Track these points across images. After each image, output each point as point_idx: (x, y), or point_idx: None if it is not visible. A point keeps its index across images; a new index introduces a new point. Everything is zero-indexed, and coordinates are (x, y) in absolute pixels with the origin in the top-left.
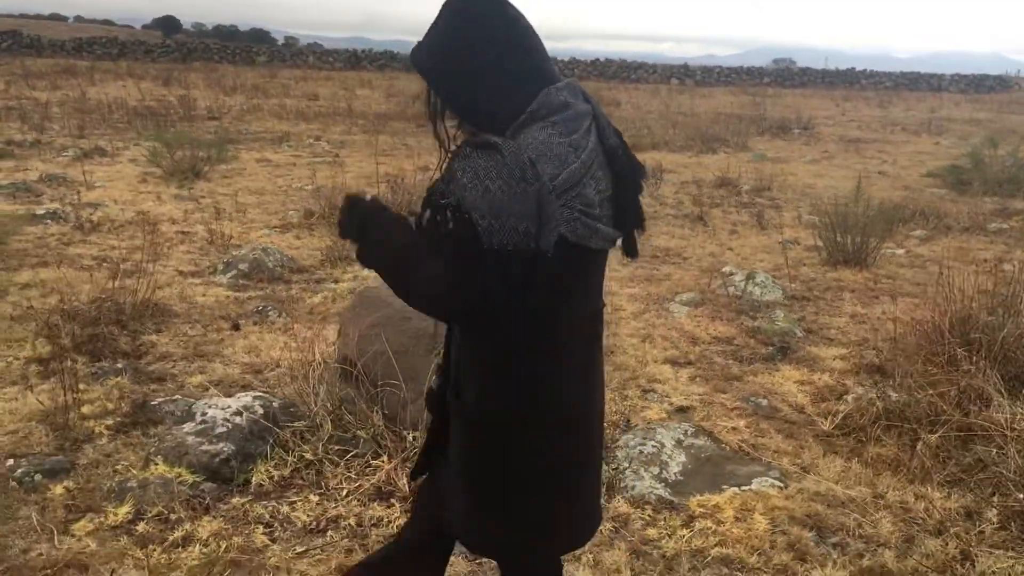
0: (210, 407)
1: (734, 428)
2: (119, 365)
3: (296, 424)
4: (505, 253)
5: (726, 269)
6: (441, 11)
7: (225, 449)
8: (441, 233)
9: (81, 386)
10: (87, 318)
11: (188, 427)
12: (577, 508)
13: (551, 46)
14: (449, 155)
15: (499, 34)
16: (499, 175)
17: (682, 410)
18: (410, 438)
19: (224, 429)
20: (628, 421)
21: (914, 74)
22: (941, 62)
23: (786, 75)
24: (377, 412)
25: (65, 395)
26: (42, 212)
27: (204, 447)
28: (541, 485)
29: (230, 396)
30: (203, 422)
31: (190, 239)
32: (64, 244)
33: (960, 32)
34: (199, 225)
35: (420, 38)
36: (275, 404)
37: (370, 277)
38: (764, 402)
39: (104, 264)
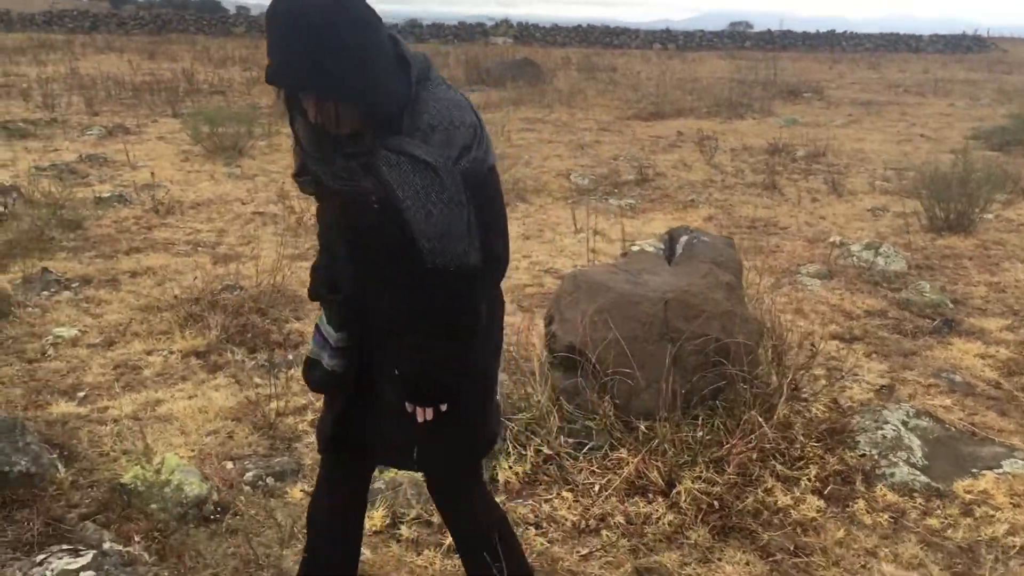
0: None
1: (944, 406)
2: (290, 357)
3: (520, 416)
4: (447, 272)
5: (834, 239)
6: (291, 21)
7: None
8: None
9: (256, 380)
10: (228, 308)
11: None
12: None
13: (500, 11)
14: (345, 154)
15: (365, 14)
16: (439, 199)
17: (882, 389)
18: (642, 428)
19: None
20: (836, 402)
21: (893, 35)
22: (894, 24)
23: (767, 38)
24: (607, 402)
25: (253, 391)
26: (107, 195)
27: None
28: (493, 391)
29: None
30: None
31: (272, 220)
32: (146, 228)
33: None
34: (271, 205)
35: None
36: (496, 396)
37: None
38: (957, 378)
39: (199, 248)
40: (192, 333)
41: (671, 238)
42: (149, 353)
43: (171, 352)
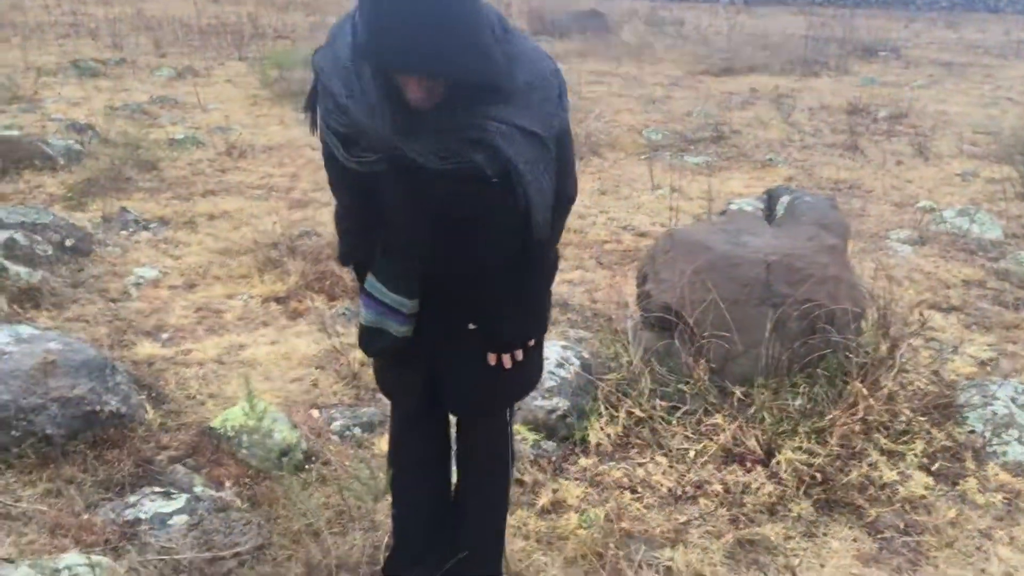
0: None
1: None
2: None
3: (610, 376)
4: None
5: (923, 204)
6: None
7: (560, 405)
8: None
9: (338, 328)
10: (307, 254)
11: None
12: None
13: None
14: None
15: None
16: (547, 170)
17: (987, 363)
18: (738, 394)
19: (554, 383)
20: (938, 375)
21: None
22: None
23: None
24: (703, 365)
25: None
26: (181, 137)
27: (538, 402)
28: None
29: None
30: None
31: None
32: (220, 171)
33: None
34: None
35: None
36: (585, 355)
37: None
38: None
39: (273, 193)
40: (271, 278)
41: (770, 197)
42: (230, 297)
43: (251, 297)
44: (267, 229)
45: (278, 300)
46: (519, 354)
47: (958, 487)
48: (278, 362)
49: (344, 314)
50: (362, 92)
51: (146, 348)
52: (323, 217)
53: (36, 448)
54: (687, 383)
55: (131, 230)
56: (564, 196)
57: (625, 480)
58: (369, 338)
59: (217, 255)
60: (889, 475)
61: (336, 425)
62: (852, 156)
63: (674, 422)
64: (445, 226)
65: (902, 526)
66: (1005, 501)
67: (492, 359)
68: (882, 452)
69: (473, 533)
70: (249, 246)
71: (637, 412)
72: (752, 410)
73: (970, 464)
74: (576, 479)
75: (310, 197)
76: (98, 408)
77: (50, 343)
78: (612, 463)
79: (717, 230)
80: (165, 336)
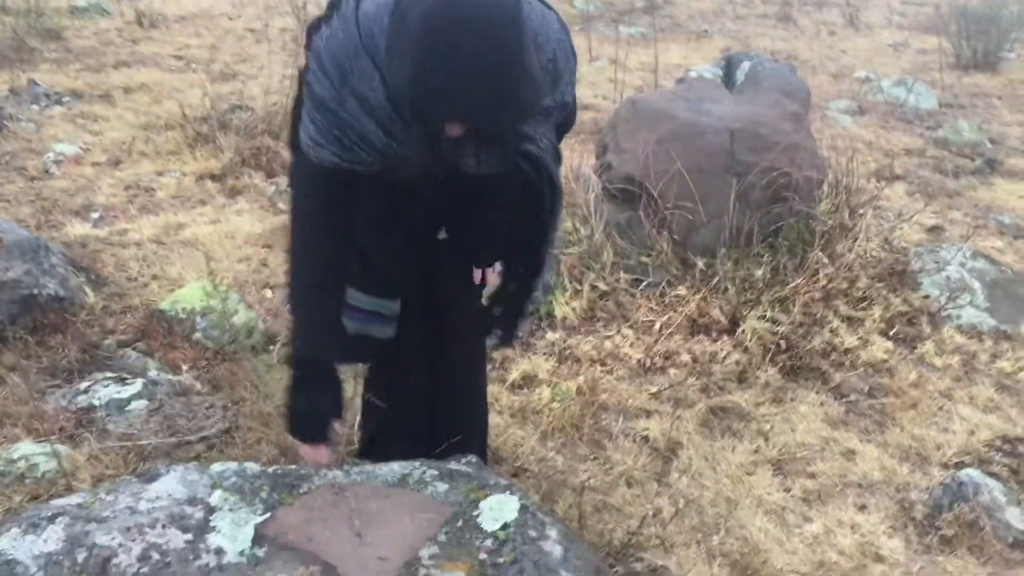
0: None
1: (996, 248)
2: None
3: (572, 250)
4: None
5: (860, 74)
6: (476, 55)
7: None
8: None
9: (280, 205)
10: (239, 129)
11: None
12: None
13: None
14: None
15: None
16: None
17: (933, 230)
18: (700, 265)
19: None
20: (888, 242)
21: None
22: None
23: None
24: (666, 237)
25: None
26: (83, 5)
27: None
28: None
29: None
30: None
31: (265, 38)
32: (132, 41)
33: None
34: (258, 21)
35: None
36: None
37: None
38: (1006, 219)
39: (192, 65)
40: (204, 154)
41: (729, 63)
42: (160, 174)
43: (184, 174)
44: (194, 103)
45: (213, 177)
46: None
47: (917, 350)
48: (222, 242)
49: (286, 191)
50: (404, 131)
51: (76, 228)
52: (251, 91)
53: None
54: (650, 255)
55: (43, 104)
56: None
57: (594, 353)
58: (351, 347)
59: (140, 130)
60: (850, 341)
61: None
62: (785, 27)
63: (638, 295)
64: (464, 216)
65: (866, 389)
66: (962, 363)
67: (477, 276)
68: (842, 319)
69: (462, 421)
70: (175, 121)
71: (601, 286)
72: (715, 281)
73: (927, 328)
74: (545, 354)
75: (234, 70)
76: (35, 292)
77: None
78: (579, 337)
79: (678, 98)
80: (95, 216)
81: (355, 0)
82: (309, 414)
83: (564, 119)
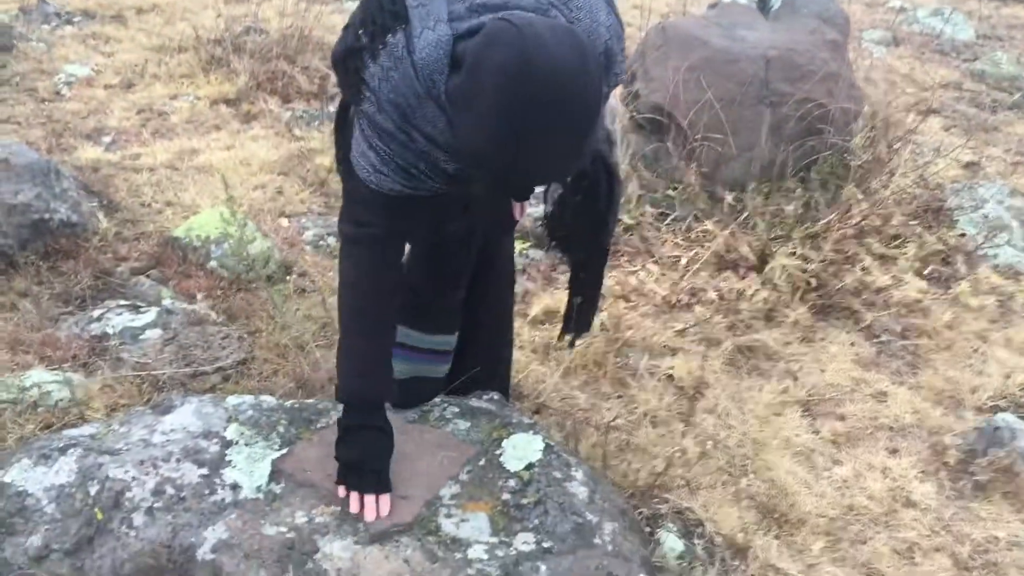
0: None
1: None
2: (328, 108)
3: None
4: None
5: (894, 3)
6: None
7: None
8: None
9: (296, 132)
10: (254, 53)
11: None
12: None
13: None
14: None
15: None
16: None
17: (970, 166)
18: (729, 199)
19: (540, 188)
20: (923, 178)
21: None
22: None
23: None
24: (694, 169)
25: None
26: None
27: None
28: None
29: None
30: None
31: None
32: None
33: None
34: None
35: None
36: None
37: None
38: None
39: None
40: (218, 78)
41: None
42: (173, 98)
43: (197, 98)
44: (208, 25)
45: (228, 102)
46: None
47: (952, 290)
48: (237, 168)
49: (302, 116)
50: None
51: (88, 152)
52: (266, 13)
53: None
54: (677, 188)
55: (53, 24)
56: None
57: (618, 288)
58: (405, 391)
59: (153, 52)
60: (883, 280)
61: (309, 235)
62: None
63: (664, 229)
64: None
65: (899, 330)
66: (998, 304)
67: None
68: (875, 257)
69: (485, 350)
70: (188, 43)
71: (626, 219)
72: (744, 216)
73: (962, 267)
74: (567, 288)
75: None
76: (47, 216)
77: None
78: None
79: (711, 23)
80: (107, 139)
81: (403, 35)
82: (362, 467)
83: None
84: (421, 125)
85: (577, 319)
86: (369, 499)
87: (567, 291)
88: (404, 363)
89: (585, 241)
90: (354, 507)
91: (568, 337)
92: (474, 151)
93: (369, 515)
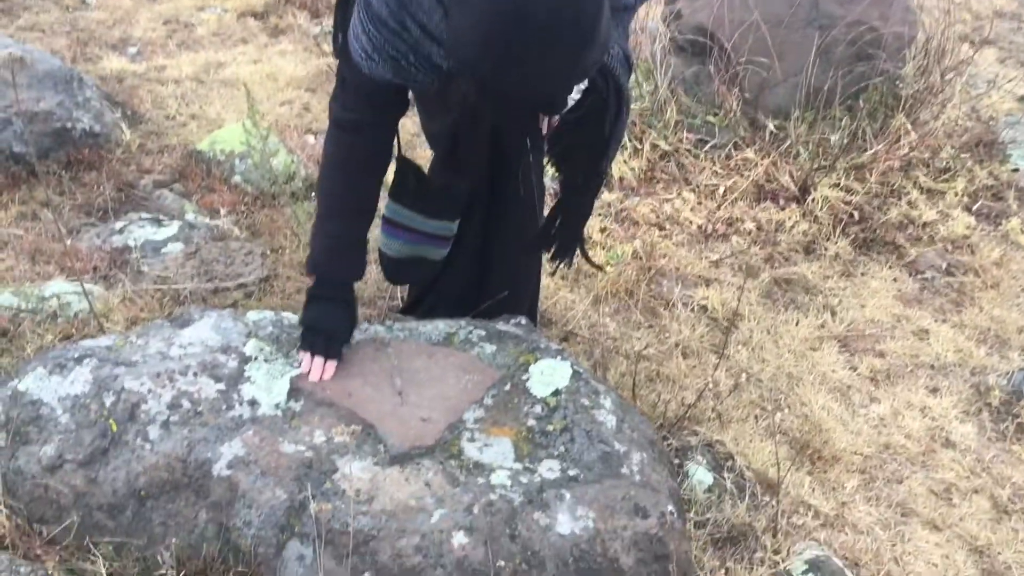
0: None
1: None
2: None
3: (633, 107)
4: None
5: None
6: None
7: None
8: None
9: (325, 47)
10: None
11: None
12: None
13: None
14: None
15: None
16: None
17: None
18: (771, 127)
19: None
20: (975, 111)
21: None
22: None
23: None
24: (736, 95)
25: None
26: None
27: None
28: None
29: None
30: None
31: None
32: None
33: None
34: None
35: None
36: None
37: None
38: None
39: None
40: None
41: None
42: (200, 9)
43: (225, 10)
44: None
45: (255, 15)
46: None
47: (1001, 227)
48: (263, 83)
49: (330, 32)
50: None
51: (113, 62)
52: None
53: (4, 167)
54: (717, 114)
55: None
56: None
57: (652, 216)
58: (402, 270)
59: None
60: (929, 214)
61: None
62: None
63: (702, 156)
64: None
65: (944, 266)
66: None
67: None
68: (922, 191)
69: (513, 273)
70: None
71: (663, 145)
72: (787, 144)
73: (1013, 203)
74: (600, 215)
75: None
76: (69, 125)
77: (8, 49)
78: (637, 198)
79: None
80: (133, 50)
81: None
82: (317, 329)
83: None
84: (417, 14)
85: (558, 246)
86: (317, 361)
87: (551, 207)
88: (404, 245)
89: (581, 163)
90: (304, 367)
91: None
92: (462, 51)
93: (313, 375)
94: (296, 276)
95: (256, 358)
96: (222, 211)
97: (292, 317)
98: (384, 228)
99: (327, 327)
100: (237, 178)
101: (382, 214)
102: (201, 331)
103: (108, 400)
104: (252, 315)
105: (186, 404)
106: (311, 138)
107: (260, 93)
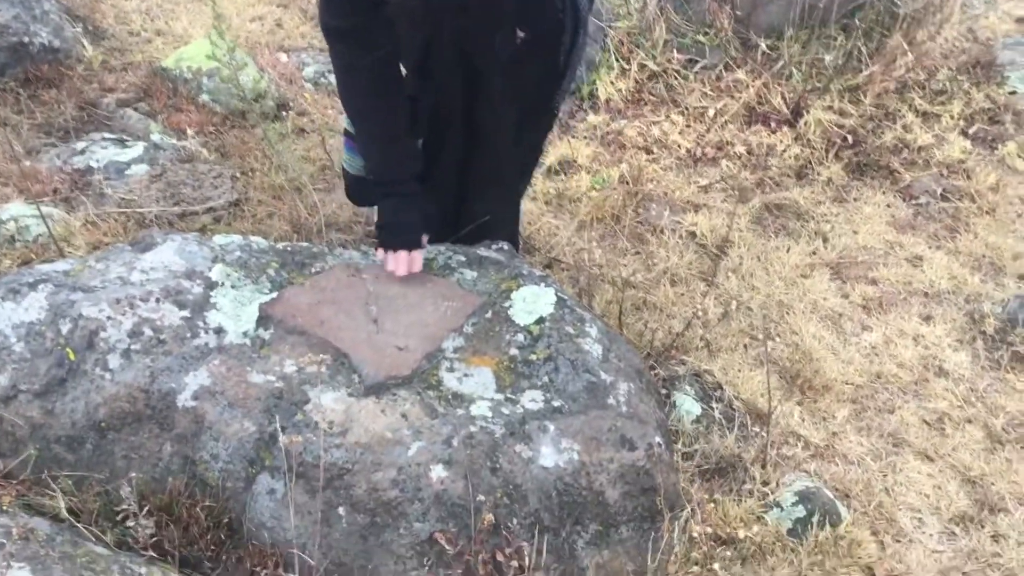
0: None
1: None
2: None
3: (620, 24)
4: None
5: None
6: None
7: None
8: None
9: None
10: None
11: None
12: None
13: None
14: None
15: None
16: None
17: (1022, 21)
18: (764, 46)
19: None
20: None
21: None
22: None
23: None
24: (727, 13)
25: None
26: None
27: None
28: None
29: None
30: None
31: None
32: None
33: None
34: None
35: None
36: None
37: None
38: None
39: None
40: None
41: None
42: None
43: None
44: None
45: None
46: None
47: (998, 151)
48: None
49: None
50: None
51: None
52: None
53: None
54: (707, 34)
55: None
56: None
57: (639, 139)
58: (366, 189)
59: None
60: (925, 138)
61: (309, 71)
62: None
63: (691, 77)
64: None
65: (939, 191)
66: None
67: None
68: (917, 113)
69: (495, 197)
70: None
71: (650, 65)
72: (779, 65)
73: (1010, 127)
74: (585, 137)
75: None
76: (26, 40)
77: None
78: (624, 121)
79: None
80: None
81: None
82: (391, 226)
83: None
84: None
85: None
86: (401, 255)
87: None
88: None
89: (533, 93)
90: (388, 265)
91: None
92: None
93: (400, 269)
94: (268, 200)
95: (223, 284)
96: (189, 131)
97: (262, 242)
98: (346, 143)
99: (399, 220)
100: (205, 97)
101: (343, 128)
102: (164, 255)
103: (64, 327)
104: (219, 239)
105: (148, 332)
106: (283, 56)
107: (230, 9)
